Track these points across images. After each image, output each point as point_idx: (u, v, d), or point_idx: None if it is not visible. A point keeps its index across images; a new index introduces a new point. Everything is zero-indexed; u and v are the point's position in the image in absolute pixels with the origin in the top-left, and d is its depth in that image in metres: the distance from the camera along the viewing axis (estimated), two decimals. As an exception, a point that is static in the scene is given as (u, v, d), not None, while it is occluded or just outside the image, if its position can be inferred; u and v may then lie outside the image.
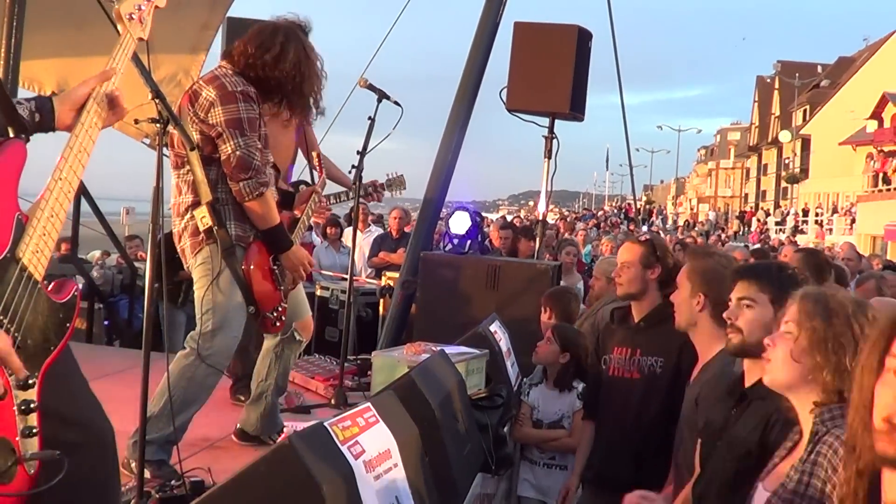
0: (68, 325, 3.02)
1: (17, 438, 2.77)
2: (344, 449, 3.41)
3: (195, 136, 5.54)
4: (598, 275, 9.40)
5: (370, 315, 12.07)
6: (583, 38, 10.63)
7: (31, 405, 2.83)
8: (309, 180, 7.66)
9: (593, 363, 6.49)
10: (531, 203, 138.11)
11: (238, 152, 5.59)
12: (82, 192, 10.32)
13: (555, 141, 10.98)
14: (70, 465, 3.14)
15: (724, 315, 4.52)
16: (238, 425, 6.49)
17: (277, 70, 5.90)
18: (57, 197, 2.99)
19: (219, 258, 5.69)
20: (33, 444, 2.85)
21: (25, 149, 3.04)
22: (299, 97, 6.06)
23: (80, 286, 12.11)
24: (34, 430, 2.85)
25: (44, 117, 3.27)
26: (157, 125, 4.61)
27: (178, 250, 5.83)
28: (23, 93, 10.97)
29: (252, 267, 5.76)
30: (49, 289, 2.97)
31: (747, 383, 4.33)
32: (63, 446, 3.15)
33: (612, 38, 12.51)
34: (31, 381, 2.83)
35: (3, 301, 2.72)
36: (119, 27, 3.66)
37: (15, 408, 2.78)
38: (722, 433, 4.32)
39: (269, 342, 6.40)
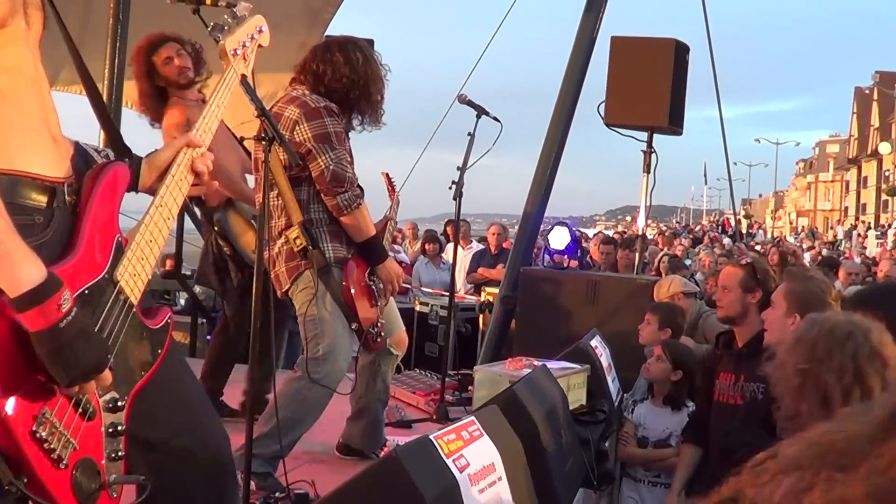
0: (160, 351, 3.03)
1: (103, 461, 2.79)
2: (449, 462, 3.42)
3: (282, 157, 5.59)
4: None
5: (469, 330, 12.09)
6: (680, 51, 10.55)
7: (119, 428, 2.84)
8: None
9: (706, 387, 6.40)
10: (628, 218, 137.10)
11: (332, 166, 5.63)
12: (185, 208, 10.48)
13: (653, 155, 10.90)
14: (183, 472, 3.25)
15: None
16: (341, 439, 6.54)
17: (343, 78, 5.95)
18: (157, 223, 3.02)
19: (317, 280, 5.73)
20: (118, 468, 2.86)
21: (129, 172, 3.08)
22: (367, 101, 6.10)
23: (183, 303, 12.37)
24: (120, 454, 2.86)
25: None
26: (263, 143, 4.67)
27: (272, 276, 5.87)
28: (127, 113, 11.18)
29: (351, 285, 5.79)
30: (143, 314, 2.99)
31: None
32: (175, 452, 3.24)
33: (709, 51, 12.43)
34: (119, 404, 2.86)
35: (98, 322, 2.75)
36: (223, 62, 3.71)
37: (103, 429, 2.80)
38: None
39: (364, 359, 6.42)
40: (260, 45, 3.89)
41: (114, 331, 2.80)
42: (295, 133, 5.65)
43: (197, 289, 12.37)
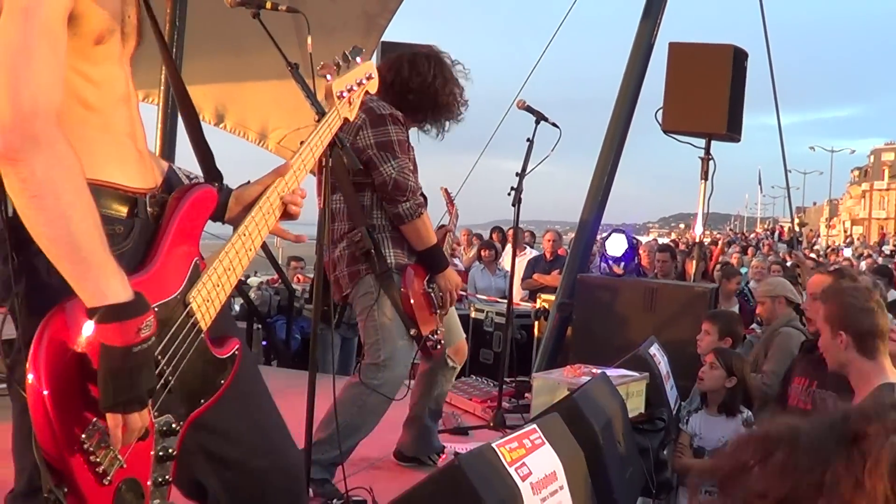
0: (223, 381, 2.99)
1: (150, 485, 2.75)
2: (511, 470, 3.40)
3: (346, 159, 5.58)
4: (761, 298, 9.01)
5: (525, 337, 12.05)
6: (738, 57, 10.48)
7: (171, 452, 2.79)
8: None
9: (782, 389, 6.33)
10: (682, 225, 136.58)
11: (394, 175, 5.61)
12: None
13: (711, 162, 10.83)
14: (256, 492, 3.23)
15: None
16: (396, 447, 6.52)
17: (414, 85, 5.98)
18: (238, 252, 2.99)
19: (378, 286, 5.73)
20: (164, 494, 2.80)
21: (216, 196, 3.06)
22: (435, 109, 6.13)
23: (238, 308, 12.42)
24: (168, 479, 2.81)
25: (217, 205, 3.27)
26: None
27: (331, 279, 5.86)
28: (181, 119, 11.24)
29: (410, 291, 5.78)
30: (212, 342, 2.95)
31: None
32: (251, 473, 3.21)
33: (767, 57, 12.33)
34: (174, 427, 2.82)
35: (163, 342, 2.71)
36: (326, 103, 3.69)
37: (153, 452, 2.76)
38: None
39: (423, 366, 6.41)
40: (367, 92, 3.87)
41: (178, 354, 2.76)
42: (358, 138, 5.64)
43: (252, 294, 12.41)
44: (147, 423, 2.61)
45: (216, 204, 3.07)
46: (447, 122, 6.25)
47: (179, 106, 3.31)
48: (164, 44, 3.13)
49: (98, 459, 2.51)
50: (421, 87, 6.02)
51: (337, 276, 5.85)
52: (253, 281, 14.13)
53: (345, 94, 3.66)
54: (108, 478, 2.55)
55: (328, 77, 3.63)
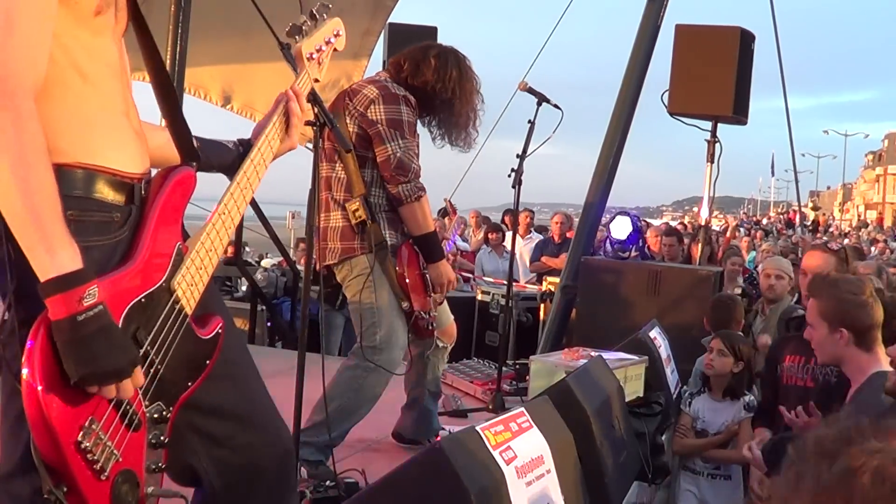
0: (208, 362, 2.99)
1: (144, 473, 2.75)
2: (495, 454, 3.38)
3: (352, 130, 5.58)
4: (782, 273, 8.74)
5: (530, 320, 12.06)
6: (745, 39, 10.44)
7: (162, 439, 2.80)
8: None
9: (769, 370, 6.27)
10: (695, 209, 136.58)
11: (399, 154, 5.62)
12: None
13: (717, 145, 10.80)
14: (246, 469, 3.23)
15: (889, 353, 4.37)
16: (395, 429, 6.51)
17: (427, 83, 5.96)
18: (218, 231, 2.99)
19: (373, 264, 5.71)
20: (157, 480, 2.82)
21: (194, 177, 3.04)
22: (448, 114, 6.09)
23: (244, 289, 12.43)
24: (160, 466, 2.83)
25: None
26: (313, 128, 4.62)
27: (320, 248, 5.86)
28: (188, 99, 11.21)
29: (405, 270, 5.76)
30: (195, 322, 2.94)
31: None
32: (240, 449, 3.22)
33: (775, 41, 12.28)
34: (165, 415, 2.82)
35: (152, 332, 2.73)
36: (297, 66, 3.65)
37: (146, 441, 2.76)
38: None
39: (415, 349, 6.38)
40: (335, 50, 3.82)
41: (167, 341, 2.77)
42: (368, 111, 5.66)
43: (257, 276, 12.43)
44: (131, 392, 2.61)
45: (195, 183, 3.05)
46: (452, 135, 6.20)
47: (152, 80, 3.26)
48: (137, 12, 3.09)
49: (96, 457, 2.52)
50: (434, 90, 6.00)
51: (328, 247, 5.82)
52: (265, 263, 14.15)
53: (314, 55, 3.63)
54: (106, 473, 2.57)
55: (296, 39, 3.60)
